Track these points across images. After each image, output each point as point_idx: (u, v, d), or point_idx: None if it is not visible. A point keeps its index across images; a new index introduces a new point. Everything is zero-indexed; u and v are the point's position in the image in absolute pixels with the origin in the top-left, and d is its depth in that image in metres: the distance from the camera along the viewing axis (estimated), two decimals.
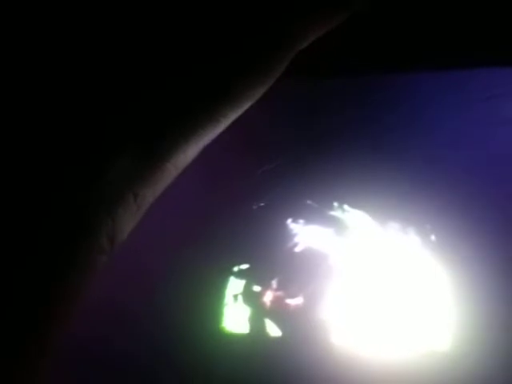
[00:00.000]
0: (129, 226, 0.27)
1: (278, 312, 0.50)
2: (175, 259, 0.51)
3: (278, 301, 0.50)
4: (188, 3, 0.26)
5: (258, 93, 0.29)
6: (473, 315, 0.47)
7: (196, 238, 0.52)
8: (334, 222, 0.52)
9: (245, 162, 0.53)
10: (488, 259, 0.47)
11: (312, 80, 0.52)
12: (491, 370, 0.45)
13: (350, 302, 0.49)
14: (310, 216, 0.52)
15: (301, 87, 0.53)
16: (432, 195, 0.49)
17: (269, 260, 0.51)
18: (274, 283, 0.51)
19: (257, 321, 0.50)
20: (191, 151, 0.27)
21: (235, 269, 0.52)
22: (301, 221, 0.52)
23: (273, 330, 0.50)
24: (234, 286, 0.51)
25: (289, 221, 0.52)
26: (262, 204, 0.52)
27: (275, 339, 0.49)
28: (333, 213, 0.52)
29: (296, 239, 0.52)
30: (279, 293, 0.51)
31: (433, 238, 0.50)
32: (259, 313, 0.50)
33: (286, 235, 0.52)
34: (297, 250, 0.52)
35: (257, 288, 0.51)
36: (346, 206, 0.52)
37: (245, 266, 0.51)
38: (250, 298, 0.51)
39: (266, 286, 0.51)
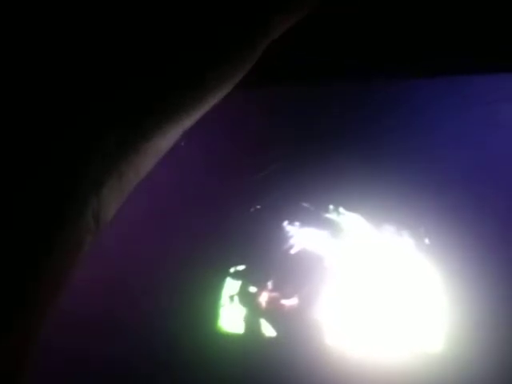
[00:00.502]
0: (113, 208, 0.27)
1: (274, 313, 0.50)
2: (172, 260, 0.51)
3: (273, 302, 0.51)
4: None
5: (233, 79, 0.29)
6: (465, 317, 0.47)
7: (193, 240, 0.52)
8: (330, 225, 0.52)
9: (243, 165, 0.53)
10: (482, 261, 0.48)
11: (312, 82, 0.53)
12: (483, 371, 0.45)
13: (345, 304, 0.50)
14: (305, 218, 0.52)
15: (300, 89, 0.53)
16: (427, 198, 0.50)
17: (265, 261, 0.52)
18: (270, 284, 0.51)
19: (252, 321, 0.50)
20: (172, 134, 0.29)
21: (231, 270, 0.52)
22: (297, 223, 0.53)
23: (268, 330, 0.50)
24: (231, 286, 0.52)
25: (285, 223, 0.53)
26: (259, 206, 0.53)
27: (270, 339, 0.50)
28: (328, 215, 0.52)
29: (292, 241, 0.52)
30: (275, 294, 0.51)
31: (426, 240, 0.50)
32: (255, 313, 0.51)
33: (282, 237, 0.52)
34: (292, 251, 0.52)
35: (253, 289, 0.51)
36: (341, 209, 0.52)
37: (241, 267, 0.52)
38: (246, 298, 0.51)
39: (261, 286, 0.51)
